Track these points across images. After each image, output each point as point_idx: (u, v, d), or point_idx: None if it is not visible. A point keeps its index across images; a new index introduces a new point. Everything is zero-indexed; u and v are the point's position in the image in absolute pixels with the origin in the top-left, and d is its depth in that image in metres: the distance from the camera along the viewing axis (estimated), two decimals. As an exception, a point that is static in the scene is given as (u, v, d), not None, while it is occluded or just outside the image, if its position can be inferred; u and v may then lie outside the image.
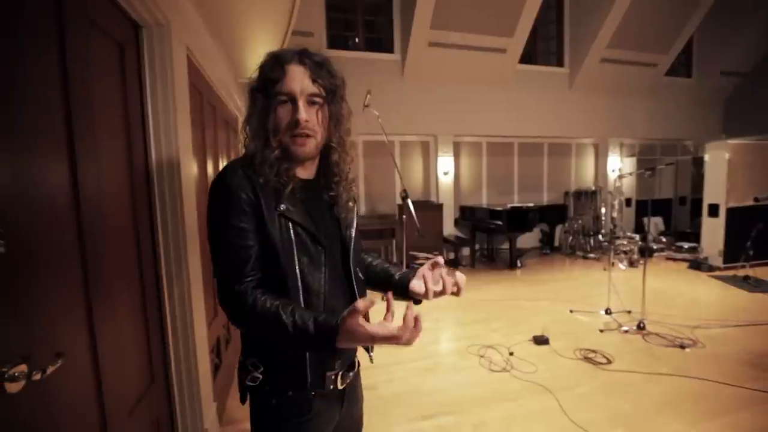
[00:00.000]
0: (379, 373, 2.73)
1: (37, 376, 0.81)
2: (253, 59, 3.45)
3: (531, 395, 2.38)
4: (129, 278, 1.40)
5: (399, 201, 5.36)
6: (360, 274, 1.00)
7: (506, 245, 6.16)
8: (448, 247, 6.57)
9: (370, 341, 0.69)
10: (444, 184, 6.67)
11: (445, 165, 6.62)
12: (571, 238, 6.77)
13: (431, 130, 6.44)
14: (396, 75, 6.10)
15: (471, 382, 2.56)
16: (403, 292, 1.01)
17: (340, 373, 0.92)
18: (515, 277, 5.39)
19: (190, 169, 1.82)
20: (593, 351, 2.90)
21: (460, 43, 5.71)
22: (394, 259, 6.15)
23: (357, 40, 6.21)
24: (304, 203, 0.87)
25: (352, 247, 0.96)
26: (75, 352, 1.04)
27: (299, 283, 0.83)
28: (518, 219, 5.73)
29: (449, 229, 6.67)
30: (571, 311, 3.80)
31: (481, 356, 2.91)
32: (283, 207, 0.83)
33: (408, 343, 0.70)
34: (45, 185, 0.96)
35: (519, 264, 5.84)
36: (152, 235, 1.58)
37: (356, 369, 1.01)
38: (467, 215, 6.64)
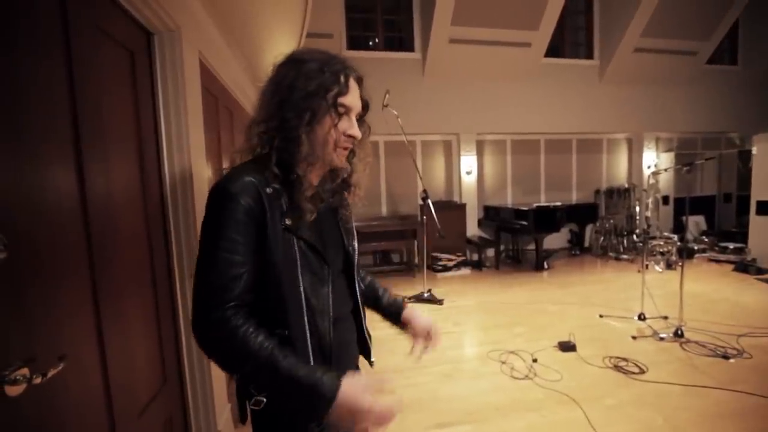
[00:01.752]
0: (397, 376, 2.68)
1: (38, 380, 0.82)
2: (271, 62, 3.49)
3: (555, 405, 2.26)
4: (141, 281, 1.42)
5: (420, 202, 5.28)
6: (361, 284, 0.99)
7: (532, 246, 5.96)
8: (471, 248, 6.42)
9: (364, 413, 0.69)
10: (467, 184, 6.53)
11: (467, 164, 6.48)
12: (602, 238, 6.46)
13: (453, 129, 6.32)
14: (417, 74, 6.03)
15: (491, 390, 2.46)
16: (391, 318, 1.07)
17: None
18: (541, 280, 5.19)
19: (203, 172, 1.84)
20: (624, 359, 2.72)
21: (482, 38, 5.57)
22: (416, 261, 6.07)
23: (377, 40, 6.19)
24: (313, 214, 0.83)
25: (356, 258, 0.95)
26: (81, 355, 1.06)
27: (303, 304, 0.79)
28: (545, 219, 5.52)
29: (473, 229, 6.52)
30: (600, 316, 3.61)
31: (503, 362, 2.80)
32: (289, 221, 0.78)
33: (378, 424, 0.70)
34: (50, 190, 0.98)
35: (546, 266, 5.63)
36: (165, 239, 1.61)
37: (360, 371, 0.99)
38: (491, 215, 6.47)
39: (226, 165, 2.42)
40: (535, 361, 2.77)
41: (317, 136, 0.80)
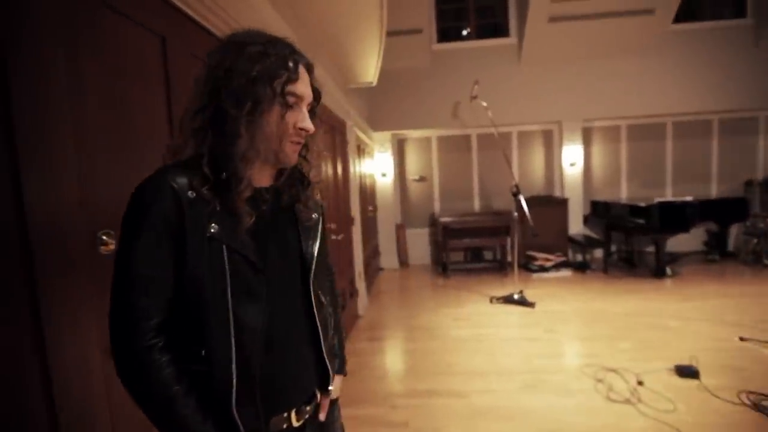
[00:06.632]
0: (474, 380, 2.58)
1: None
2: (359, 64, 3.64)
3: (662, 439, 1.92)
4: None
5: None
6: (322, 298, 0.86)
7: (652, 248, 5.09)
8: (574, 247, 5.80)
9: None
10: (570, 177, 5.89)
11: (571, 155, 5.84)
12: (755, 241, 5.18)
13: (554, 117, 5.74)
14: (512, 60, 5.62)
15: (580, 409, 2.20)
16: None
17: (294, 409, 0.79)
18: (662, 288, 4.41)
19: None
20: (770, 397, 2.16)
21: (589, 11, 4.90)
22: (509, 259, 5.73)
23: (468, 30, 5.94)
24: (251, 218, 0.72)
25: (313, 267, 0.82)
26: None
27: (231, 322, 0.68)
28: (671, 216, 4.65)
29: (576, 227, 5.87)
30: (741, 339, 2.91)
31: (599, 380, 2.48)
32: (215, 228, 0.67)
33: None
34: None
35: (668, 272, 4.76)
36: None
37: (317, 401, 0.86)
38: (600, 212, 5.73)
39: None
40: (640, 383, 2.38)
41: (260, 129, 0.70)
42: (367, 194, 5.31)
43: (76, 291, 0.92)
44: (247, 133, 0.68)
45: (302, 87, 0.73)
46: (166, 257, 0.66)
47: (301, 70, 0.73)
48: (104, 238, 0.98)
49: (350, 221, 3.91)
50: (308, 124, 0.74)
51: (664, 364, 2.60)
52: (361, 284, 4.14)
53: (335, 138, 3.41)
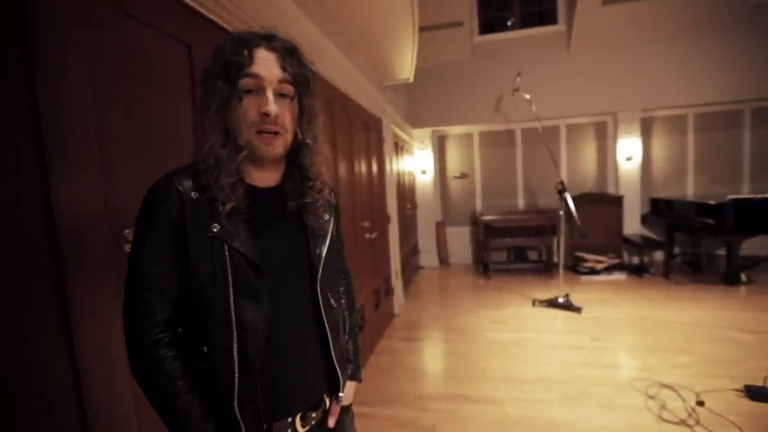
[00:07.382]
0: (510, 387, 2.46)
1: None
2: (394, 61, 3.60)
3: (724, 468, 1.70)
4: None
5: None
6: (332, 301, 0.84)
7: (723, 251, 4.56)
8: (630, 249, 5.35)
9: None
10: (626, 172, 5.43)
11: (627, 148, 5.38)
12: None
13: (608, 108, 5.31)
14: (560, 49, 5.27)
15: (626, 427, 2.01)
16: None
17: (299, 415, 0.79)
18: (734, 296, 3.92)
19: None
20: None
21: (650, -10, 4.47)
22: (555, 260, 5.41)
23: (513, 19, 5.66)
24: (254, 219, 0.73)
25: (320, 269, 0.80)
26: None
27: (232, 321, 0.70)
28: (748, 215, 4.12)
29: (633, 227, 5.41)
30: (832, 359, 2.52)
31: (650, 397, 2.25)
32: (216, 228, 0.69)
33: None
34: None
35: (743, 278, 4.23)
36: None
37: (325, 407, 0.86)
38: (661, 210, 5.22)
39: (343, 163, 2.63)
40: (700, 403, 2.13)
41: (230, 122, 0.71)
42: (406, 192, 5.27)
43: (103, 288, 0.97)
44: (219, 127, 0.71)
45: (258, 70, 0.69)
46: (171, 257, 0.69)
47: (260, 53, 0.70)
48: (130, 237, 1.04)
49: (386, 219, 3.90)
50: (269, 108, 0.69)
51: (732, 383, 2.31)
52: (397, 283, 4.12)
53: (370, 136, 3.40)
